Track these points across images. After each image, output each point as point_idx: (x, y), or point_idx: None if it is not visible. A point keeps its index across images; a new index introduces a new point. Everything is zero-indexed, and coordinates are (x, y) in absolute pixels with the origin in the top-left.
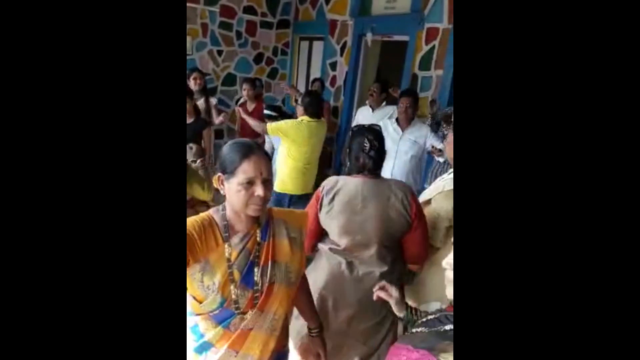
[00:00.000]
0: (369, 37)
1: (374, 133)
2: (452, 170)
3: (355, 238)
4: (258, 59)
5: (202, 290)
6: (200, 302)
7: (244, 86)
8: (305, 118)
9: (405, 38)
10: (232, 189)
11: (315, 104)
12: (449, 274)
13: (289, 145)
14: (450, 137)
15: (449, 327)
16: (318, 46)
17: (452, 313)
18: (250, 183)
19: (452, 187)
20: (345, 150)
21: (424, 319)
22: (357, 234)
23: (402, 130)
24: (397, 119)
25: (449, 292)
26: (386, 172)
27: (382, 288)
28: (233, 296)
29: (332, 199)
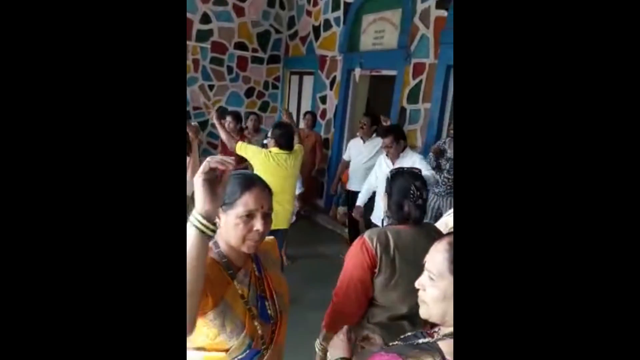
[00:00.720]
0: (357, 72)
1: (420, 179)
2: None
3: (418, 296)
4: (249, 92)
5: (224, 337)
6: (226, 351)
7: (228, 119)
8: (274, 150)
9: (393, 72)
10: (230, 222)
11: (285, 136)
12: (422, 294)
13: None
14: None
15: (422, 340)
16: (308, 80)
17: (429, 331)
18: (249, 216)
19: None
20: (385, 195)
21: (402, 336)
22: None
23: (393, 164)
24: (386, 153)
25: (423, 312)
26: (381, 205)
27: (366, 338)
28: (259, 332)
29: (393, 259)
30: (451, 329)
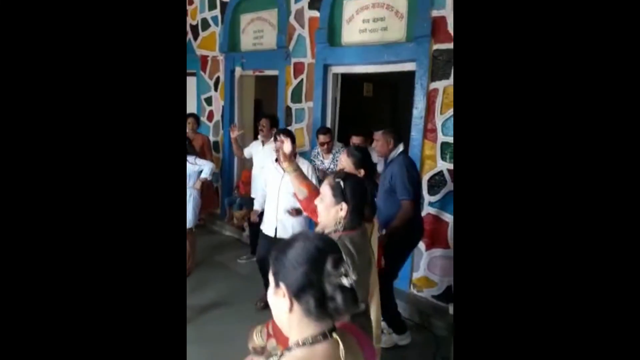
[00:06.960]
0: (238, 71)
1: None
2: None
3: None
4: None
5: None
6: None
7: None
8: None
9: (275, 72)
10: None
11: None
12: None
13: None
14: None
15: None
16: (191, 81)
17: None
18: None
19: None
20: (337, 203)
21: None
22: None
23: (284, 171)
24: (276, 159)
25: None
26: (271, 210)
27: None
28: None
29: (355, 265)
30: None
